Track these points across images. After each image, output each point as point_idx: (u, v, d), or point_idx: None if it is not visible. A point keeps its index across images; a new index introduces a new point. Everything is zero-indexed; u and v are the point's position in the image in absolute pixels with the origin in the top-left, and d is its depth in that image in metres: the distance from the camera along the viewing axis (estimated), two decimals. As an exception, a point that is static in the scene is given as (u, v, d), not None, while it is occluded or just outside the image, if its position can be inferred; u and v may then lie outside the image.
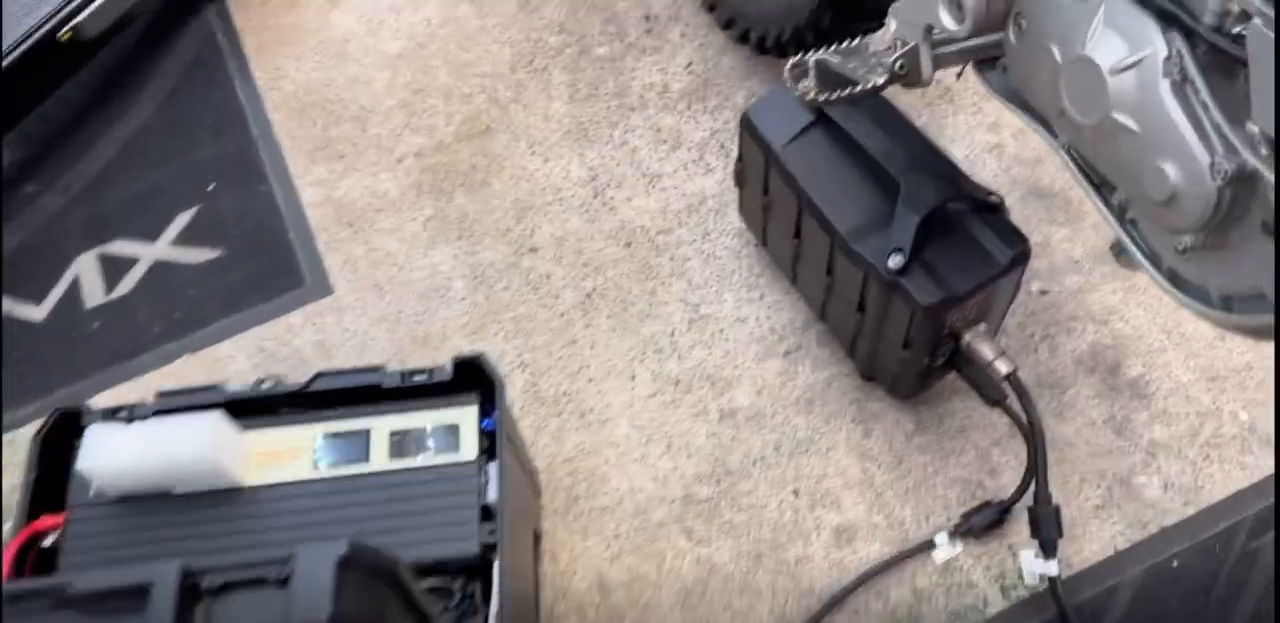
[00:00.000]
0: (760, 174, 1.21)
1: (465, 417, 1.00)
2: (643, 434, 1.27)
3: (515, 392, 1.30)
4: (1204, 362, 1.29)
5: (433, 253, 1.42)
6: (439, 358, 0.99)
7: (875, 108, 1.15)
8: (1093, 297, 1.35)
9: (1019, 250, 1.07)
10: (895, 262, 1.06)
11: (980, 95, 1.50)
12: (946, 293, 1.05)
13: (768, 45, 1.44)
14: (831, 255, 1.14)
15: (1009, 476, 1.23)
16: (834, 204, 1.12)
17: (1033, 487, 1.14)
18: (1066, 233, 1.39)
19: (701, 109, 1.52)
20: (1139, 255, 0.85)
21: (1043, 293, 1.35)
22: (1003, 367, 1.13)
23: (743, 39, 1.51)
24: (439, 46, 1.60)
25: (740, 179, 1.28)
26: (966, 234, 1.08)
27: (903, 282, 1.06)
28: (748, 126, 1.20)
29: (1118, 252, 1.37)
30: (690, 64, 1.56)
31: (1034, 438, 1.14)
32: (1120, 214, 0.87)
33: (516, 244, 1.42)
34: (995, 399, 1.17)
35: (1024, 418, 1.14)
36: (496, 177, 1.48)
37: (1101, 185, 0.88)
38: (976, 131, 1.47)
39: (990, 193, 1.09)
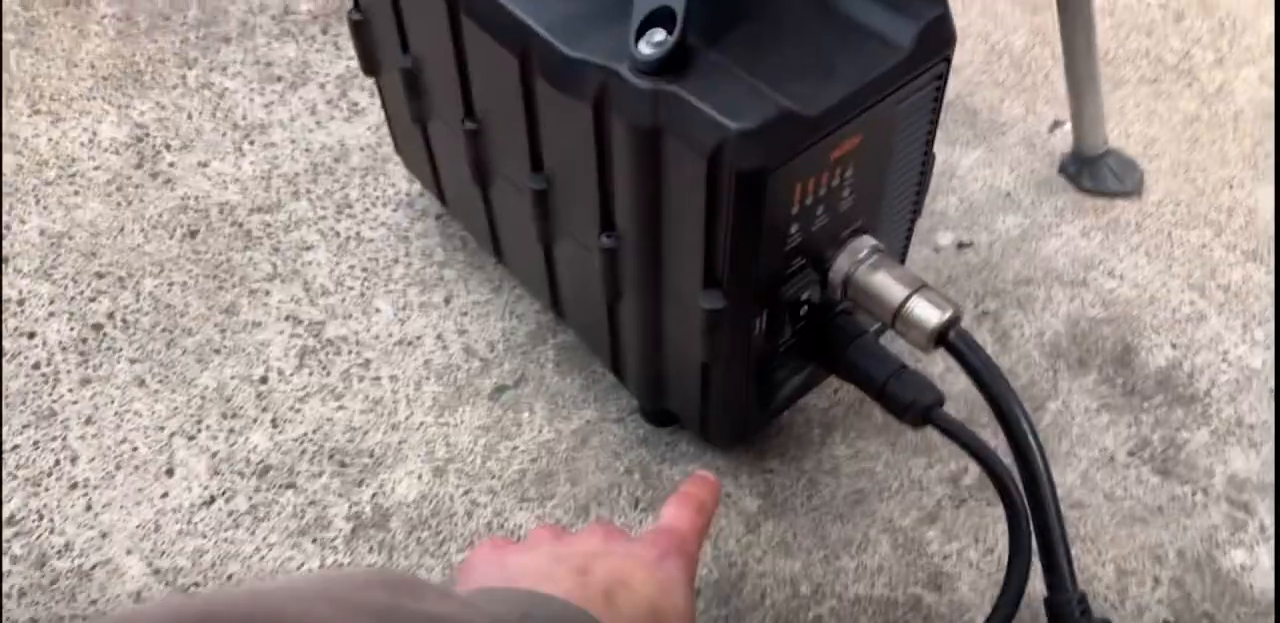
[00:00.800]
0: None
1: None
2: (174, 588, 0.58)
3: (-110, 523, 0.60)
4: (1281, 328, 0.70)
5: None
6: None
7: None
8: (1049, 245, 0.76)
9: (930, 19, 0.47)
10: (655, 41, 0.44)
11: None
12: (774, 112, 0.44)
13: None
14: (530, 111, 0.52)
15: (972, 580, 0.58)
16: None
17: (1032, 584, 0.50)
18: (980, 155, 0.82)
19: (348, 33, 0.92)
20: None
21: (962, 247, 0.76)
22: (930, 313, 0.51)
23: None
24: (-96, -15, 0.97)
25: (365, 45, 0.66)
26: (815, 4, 0.49)
27: (678, 92, 0.44)
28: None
29: (1075, 169, 0.80)
30: (329, -21, 0.97)
31: (1029, 476, 0.51)
32: None
33: (-33, 250, 0.75)
34: (923, 406, 0.54)
35: (984, 446, 0.52)
36: (-44, 150, 0.82)
37: None
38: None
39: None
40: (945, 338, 0.52)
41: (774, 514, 0.61)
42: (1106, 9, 0.93)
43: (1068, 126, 0.81)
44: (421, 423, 0.66)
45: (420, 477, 0.63)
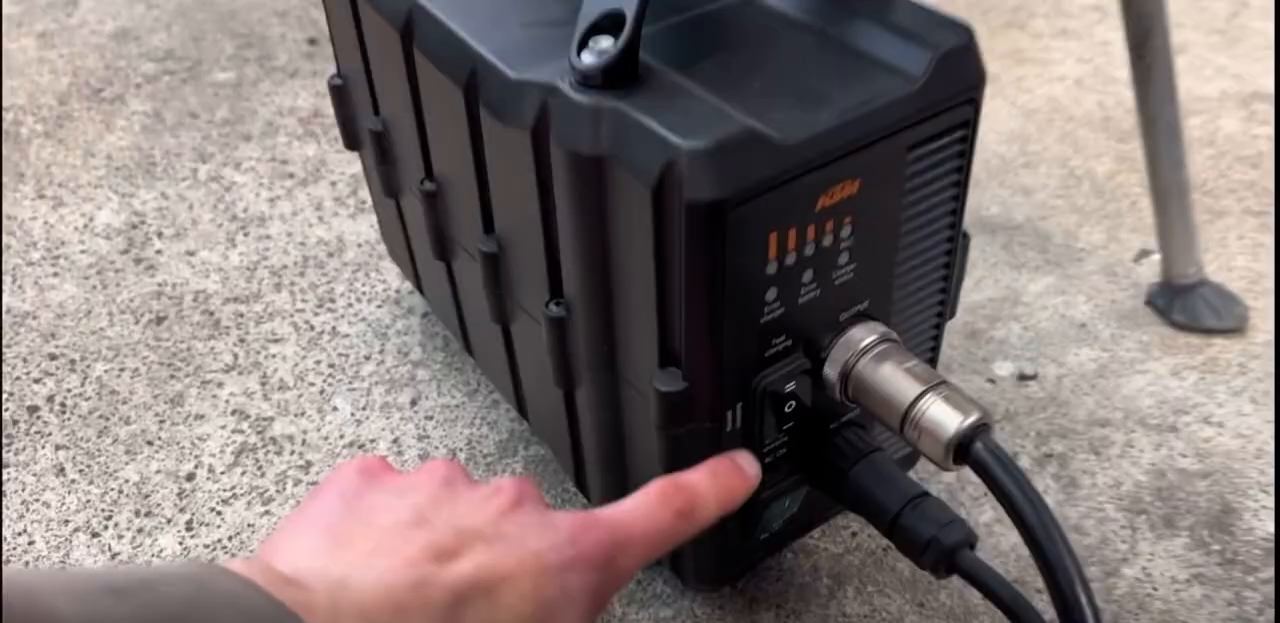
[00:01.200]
0: (351, 39, 0.54)
1: None
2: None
3: None
4: None
5: None
6: None
7: None
8: (1132, 384, 0.65)
9: (949, 49, 0.39)
10: (598, 51, 0.37)
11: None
12: (736, 131, 0.35)
13: None
14: (476, 143, 0.45)
15: None
16: (479, 21, 0.45)
17: None
18: (1052, 282, 0.72)
19: (374, 140, 0.88)
20: None
21: (1024, 379, 0.65)
22: (947, 416, 0.40)
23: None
24: (-45, 79, 0.98)
25: (345, 112, 0.61)
26: (818, 36, 0.42)
27: (622, 108, 0.37)
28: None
29: (1165, 301, 0.69)
30: (369, 87, 0.95)
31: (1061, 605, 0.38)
32: None
33: (-83, 323, 0.70)
34: (946, 546, 0.43)
35: (1025, 605, 0.41)
36: (-55, 227, 0.79)
37: None
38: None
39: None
40: (969, 452, 0.41)
41: (755, 679, 0.49)
42: (1205, 139, 0.85)
43: (1156, 256, 0.71)
44: (353, 539, 0.56)
45: (335, 601, 0.53)
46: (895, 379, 0.42)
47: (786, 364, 0.42)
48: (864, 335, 0.43)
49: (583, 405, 0.47)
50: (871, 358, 0.43)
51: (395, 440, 0.62)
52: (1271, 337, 0.68)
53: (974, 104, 0.41)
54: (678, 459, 0.43)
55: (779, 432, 0.44)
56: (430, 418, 0.63)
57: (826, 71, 0.39)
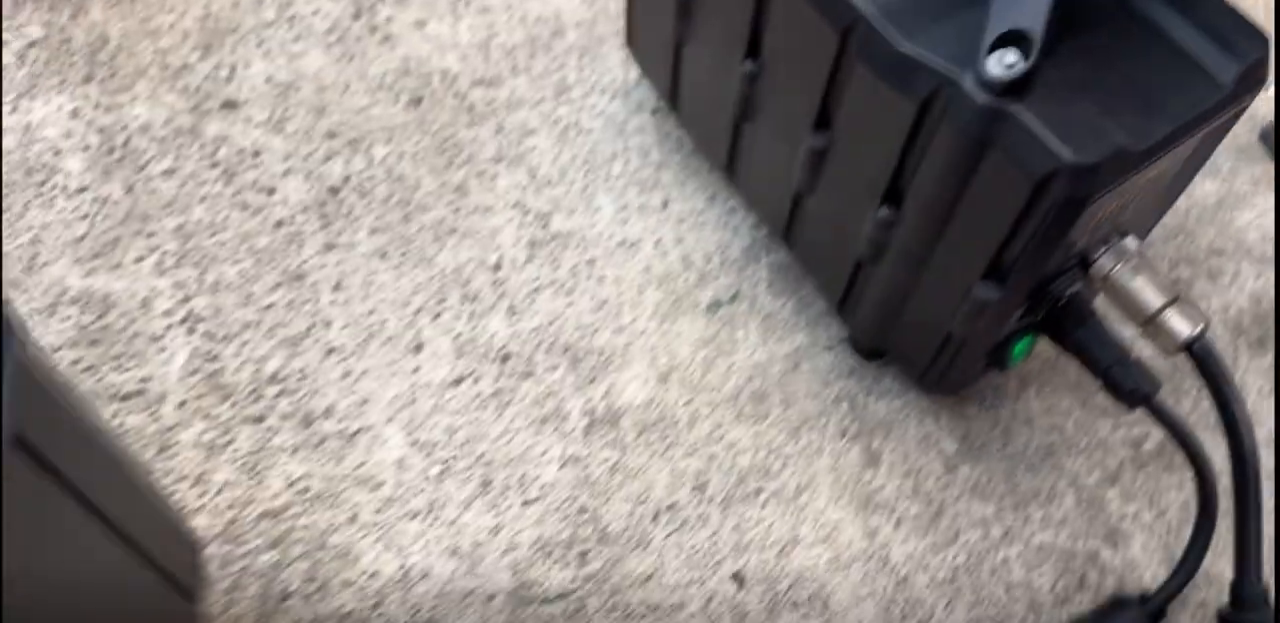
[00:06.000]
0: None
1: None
2: (432, 460, 0.71)
3: (170, 373, 0.72)
4: None
5: (31, 105, 0.82)
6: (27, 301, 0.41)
7: None
8: (1243, 217, 0.86)
9: (1253, 60, 0.55)
10: (1007, 63, 0.53)
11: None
12: (1110, 149, 0.52)
13: None
14: (834, 79, 0.60)
15: (1144, 541, 0.72)
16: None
17: (1213, 562, 0.64)
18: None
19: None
20: None
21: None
22: (1182, 326, 0.61)
23: None
24: None
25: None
26: (1141, 23, 0.56)
27: (1018, 114, 0.53)
28: None
29: (1275, 138, 0.88)
30: None
31: (1241, 481, 0.63)
32: None
33: (199, 94, 0.83)
34: (1141, 393, 0.65)
35: (1186, 430, 0.64)
36: (172, -24, 0.89)
37: None
38: None
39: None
40: (1195, 344, 0.62)
41: (970, 458, 0.73)
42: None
43: (1272, 91, 0.89)
44: (644, 330, 0.77)
45: (646, 381, 0.75)
46: (1145, 290, 0.61)
47: (1071, 277, 0.62)
48: (1126, 249, 0.62)
49: (877, 276, 0.67)
50: (1129, 269, 0.62)
51: (658, 242, 0.80)
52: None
53: (1262, 76, 0.57)
54: (969, 336, 0.64)
55: (1046, 312, 0.65)
56: (682, 221, 0.81)
57: (1160, 72, 0.55)
